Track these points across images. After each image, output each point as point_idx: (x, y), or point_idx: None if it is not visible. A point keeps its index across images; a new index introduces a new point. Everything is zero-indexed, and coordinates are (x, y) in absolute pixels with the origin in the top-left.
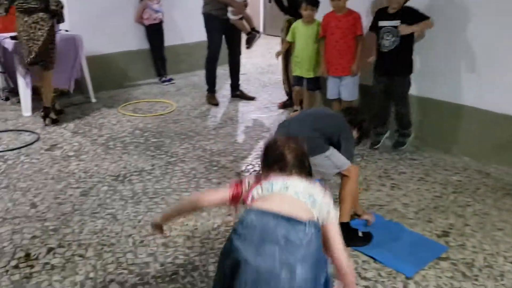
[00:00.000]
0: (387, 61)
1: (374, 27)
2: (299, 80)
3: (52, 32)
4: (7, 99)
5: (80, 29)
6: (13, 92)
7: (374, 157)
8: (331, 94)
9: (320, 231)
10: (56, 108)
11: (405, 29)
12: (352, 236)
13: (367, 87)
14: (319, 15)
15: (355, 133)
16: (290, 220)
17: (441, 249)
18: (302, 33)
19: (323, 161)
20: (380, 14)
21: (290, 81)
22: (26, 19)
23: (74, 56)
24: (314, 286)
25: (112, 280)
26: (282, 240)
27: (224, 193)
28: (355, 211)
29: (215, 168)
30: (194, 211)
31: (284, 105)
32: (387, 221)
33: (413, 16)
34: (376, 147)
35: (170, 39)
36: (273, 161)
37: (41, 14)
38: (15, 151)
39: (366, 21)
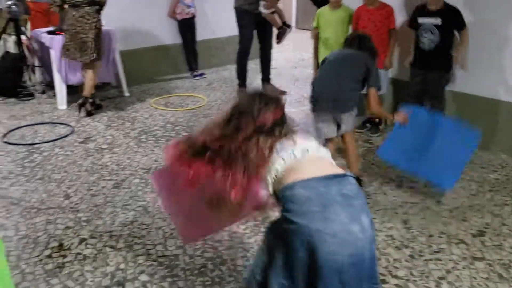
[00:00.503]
0: (426, 57)
1: (413, 24)
2: None
3: (98, 26)
4: (43, 92)
5: (114, 24)
6: (49, 85)
7: None
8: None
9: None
10: (95, 102)
11: (459, 58)
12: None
13: (401, 81)
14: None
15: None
16: (334, 178)
17: (474, 138)
18: (329, 19)
19: (349, 118)
20: (420, 10)
21: None
22: (74, 13)
23: (109, 50)
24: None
25: (142, 272)
26: (339, 197)
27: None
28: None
29: None
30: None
31: None
32: (423, 115)
33: (454, 19)
34: None
35: (202, 33)
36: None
37: (87, 8)
38: (50, 143)
39: (398, 15)
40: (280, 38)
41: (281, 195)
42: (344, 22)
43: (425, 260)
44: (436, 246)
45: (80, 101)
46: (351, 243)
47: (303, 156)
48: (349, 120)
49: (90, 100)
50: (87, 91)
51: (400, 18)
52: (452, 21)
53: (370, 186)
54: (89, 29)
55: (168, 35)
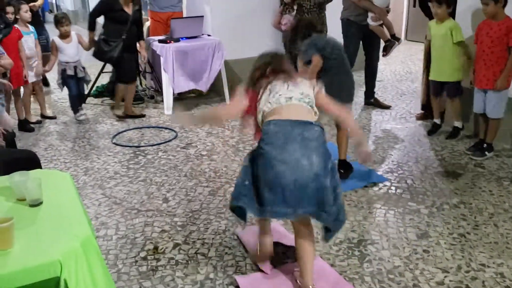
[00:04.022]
0: None
1: None
2: (436, 87)
3: None
4: (152, 97)
5: (220, 34)
6: (158, 91)
7: None
8: (476, 107)
9: (323, 128)
10: None
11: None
12: (348, 167)
13: None
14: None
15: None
16: (301, 122)
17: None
18: (434, 32)
19: None
20: None
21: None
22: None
23: (212, 59)
24: (324, 171)
25: (230, 283)
26: (299, 137)
27: (241, 105)
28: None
29: None
30: (216, 123)
31: (423, 116)
32: None
33: None
34: None
35: None
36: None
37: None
38: (154, 147)
39: None
40: (387, 51)
41: (262, 128)
42: (447, 36)
43: None
44: None
45: None
46: (298, 171)
47: (285, 102)
48: None
49: None
50: None
51: None
52: None
53: (480, 215)
54: None
55: (272, 45)
